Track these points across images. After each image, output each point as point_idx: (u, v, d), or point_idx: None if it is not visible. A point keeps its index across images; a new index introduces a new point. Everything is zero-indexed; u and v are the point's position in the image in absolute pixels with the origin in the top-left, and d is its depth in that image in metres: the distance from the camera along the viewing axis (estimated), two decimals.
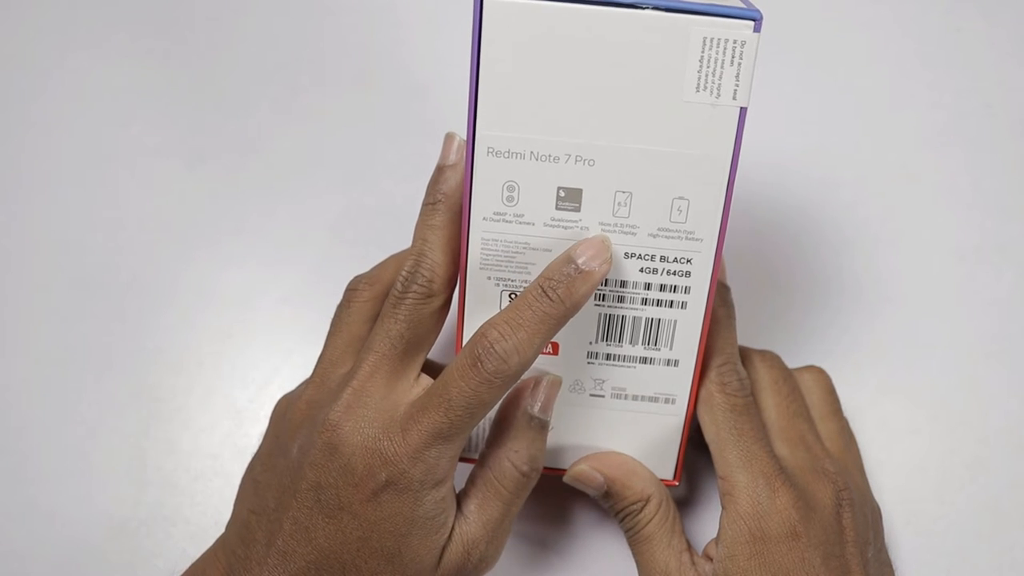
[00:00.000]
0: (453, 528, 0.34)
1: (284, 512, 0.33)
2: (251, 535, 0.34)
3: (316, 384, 0.36)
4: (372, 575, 0.33)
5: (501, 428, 0.35)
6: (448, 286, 0.35)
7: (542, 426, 0.35)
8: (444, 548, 0.34)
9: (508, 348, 0.32)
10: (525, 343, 0.32)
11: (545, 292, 0.32)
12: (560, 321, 0.33)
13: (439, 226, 0.35)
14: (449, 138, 0.35)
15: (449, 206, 0.35)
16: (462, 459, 0.36)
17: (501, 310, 0.33)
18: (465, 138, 0.34)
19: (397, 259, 0.39)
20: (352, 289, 0.38)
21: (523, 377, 0.33)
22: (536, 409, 0.35)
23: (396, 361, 0.34)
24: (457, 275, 0.35)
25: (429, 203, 0.35)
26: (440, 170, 0.35)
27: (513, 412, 0.35)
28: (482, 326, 0.32)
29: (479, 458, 0.36)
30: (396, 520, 0.33)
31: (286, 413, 0.36)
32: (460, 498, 0.35)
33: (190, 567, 0.36)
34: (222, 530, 0.37)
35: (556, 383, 0.36)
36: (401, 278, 0.34)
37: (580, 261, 0.33)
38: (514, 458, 0.35)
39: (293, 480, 0.34)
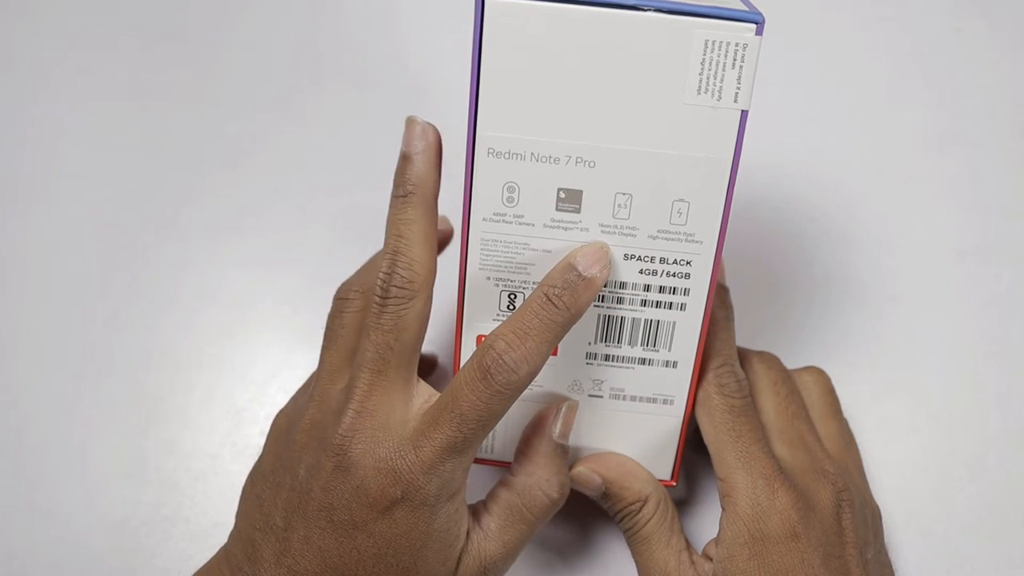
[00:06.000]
0: (471, 543, 0.34)
1: (293, 531, 0.33)
2: (257, 552, 0.33)
3: (317, 402, 0.34)
4: None
5: (527, 456, 0.35)
6: (429, 282, 0.34)
7: (565, 451, 0.36)
8: (459, 560, 0.34)
9: (517, 358, 0.31)
10: (534, 352, 0.32)
11: (550, 299, 0.32)
12: (565, 328, 0.32)
13: (413, 220, 0.33)
14: (411, 122, 0.33)
15: (421, 196, 0.33)
16: (475, 460, 0.36)
17: (505, 319, 0.33)
18: (428, 121, 0.33)
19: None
20: (342, 298, 0.36)
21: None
22: (559, 436, 0.35)
23: (392, 372, 0.33)
24: (436, 269, 0.34)
25: (399, 196, 0.33)
26: (405, 158, 0.33)
27: (540, 439, 0.35)
28: (488, 337, 0.32)
29: (503, 482, 0.36)
30: (412, 535, 0.32)
31: (288, 433, 0.35)
32: (480, 515, 0.35)
33: None
34: (222, 530, 0.37)
35: (574, 408, 0.36)
36: (379, 281, 0.33)
37: (580, 268, 0.33)
38: (545, 486, 0.35)
39: (302, 501, 0.33)
